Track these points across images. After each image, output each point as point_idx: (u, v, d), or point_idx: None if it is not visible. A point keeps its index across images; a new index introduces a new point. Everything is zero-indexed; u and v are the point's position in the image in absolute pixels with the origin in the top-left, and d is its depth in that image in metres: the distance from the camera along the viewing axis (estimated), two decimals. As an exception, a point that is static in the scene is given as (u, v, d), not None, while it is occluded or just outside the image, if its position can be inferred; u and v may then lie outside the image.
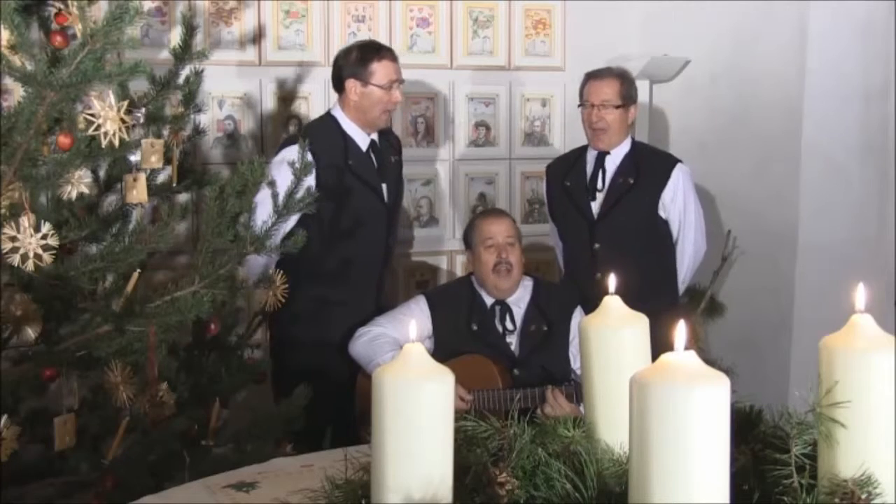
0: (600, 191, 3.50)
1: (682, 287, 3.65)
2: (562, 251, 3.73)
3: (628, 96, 3.50)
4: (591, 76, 3.54)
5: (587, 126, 3.50)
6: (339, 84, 3.35)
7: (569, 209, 3.57)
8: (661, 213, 3.50)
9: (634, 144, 3.57)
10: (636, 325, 1.44)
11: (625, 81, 3.51)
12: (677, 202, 3.50)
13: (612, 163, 3.51)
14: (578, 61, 4.29)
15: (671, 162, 3.55)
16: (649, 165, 3.53)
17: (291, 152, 3.04)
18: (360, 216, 3.31)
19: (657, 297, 3.34)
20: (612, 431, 1.38)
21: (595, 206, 3.50)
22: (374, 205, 3.36)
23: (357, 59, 3.30)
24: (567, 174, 3.60)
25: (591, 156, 3.55)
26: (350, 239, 3.29)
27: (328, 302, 3.28)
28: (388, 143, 3.49)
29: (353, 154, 3.32)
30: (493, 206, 4.18)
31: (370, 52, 3.32)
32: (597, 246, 3.47)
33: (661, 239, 3.53)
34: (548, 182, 3.74)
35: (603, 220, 3.48)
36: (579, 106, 3.54)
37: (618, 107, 3.45)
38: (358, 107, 3.32)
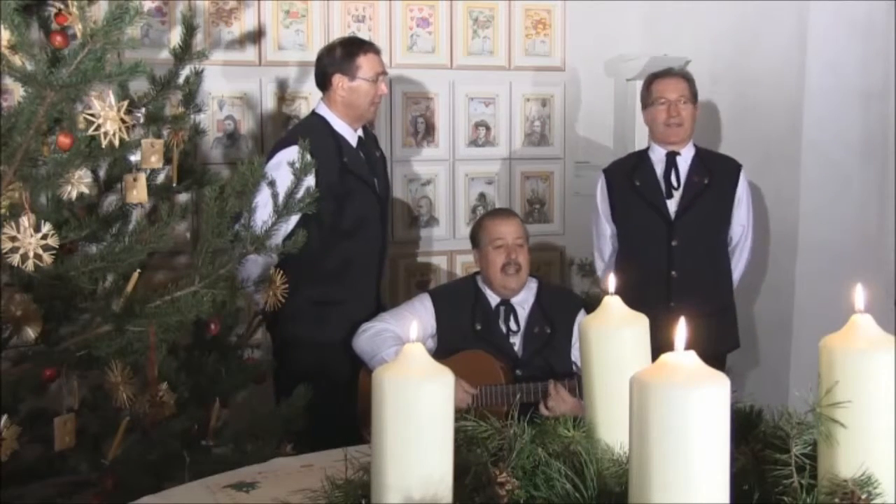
0: (676, 189, 3.52)
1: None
2: (608, 255, 3.71)
3: (695, 95, 3.57)
4: (658, 76, 3.58)
5: (660, 124, 3.51)
6: (324, 81, 3.35)
7: (641, 208, 3.56)
8: (730, 215, 3.55)
9: (697, 147, 3.60)
10: (636, 325, 1.43)
11: (690, 81, 3.58)
12: (742, 207, 3.56)
13: (684, 161, 3.54)
14: (578, 61, 4.30)
15: (737, 166, 3.60)
16: (719, 167, 3.57)
17: (289, 154, 3.05)
18: (359, 212, 3.32)
19: (718, 296, 3.44)
20: (612, 431, 1.38)
21: (672, 205, 3.51)
22: (370, 199, 3.38)
23: (342, 55, 3.32)
24: (633, 174, 3.59)
25: (657, 156, 3.56)
26: (351, 236, 3.30)
27: (330, 301, 3.29)
28: (371, 138, 3.52)
29: (346, 151, 3.33)
30: (494, 206, 4.17)
31: (354, 47, 3.35)
32: (674, 243, 3.48)
33: (725, 240, 3.58)
34: (609, 183, 3.67)
35: (681, 218, 3.49)
36: (648, 107, 3.55)
37: (692, 103, 3.52)
38: (346, 102, 3.33)
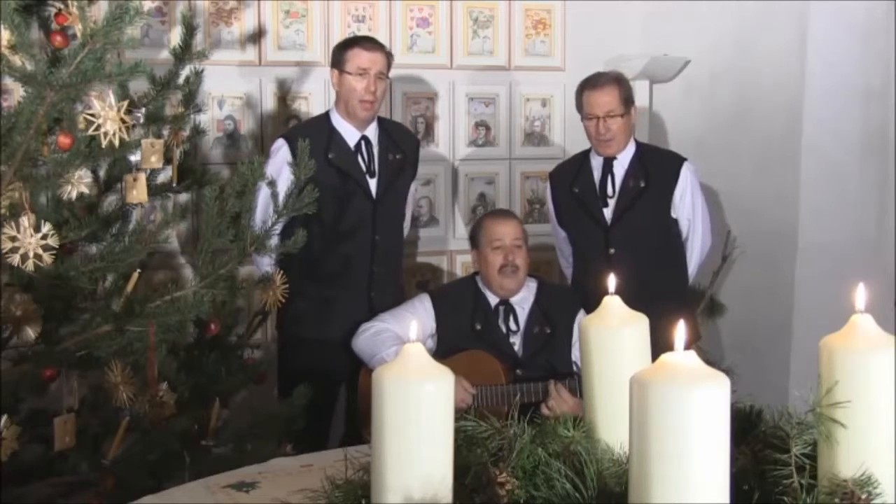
0: (611, 196, 3.47)
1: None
2: (568, 256, 3.70)
3: (629, 100, 3.47)
4: (588, 86, 3.47)
5: (592, 137, 3.46)
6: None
7: (581, 216, 3.54)
8: (673, 214, 3.50)
9: (639, 146, 3.55)
10: (636, 325, 1.44)
11: (622, 85, 3.47)
12: (686, 201, 3.50)
13: (621, 167, 3.48)
14: (578, 61, 4.29)
15: (678, 161, 3.53)
16: (657, 166, 3.51)
17: (275, 145, 3.32)
18: (344, 210, 3.28)
19: (670, 297, 3.36)
20: (612, 431, 1.38)
21: (608, 212, 3.47)
22: (357, 199, 3.33)
23: (337, 49, 3.36)
24: (574, 181, 3.55)
25: (596, 161, 3.51)
26: (332, 234, 3.26)
27: (318, 298, 3.26)
28: (390, 140, 3.44)
29: (335, 147, 3.31)
30: (494, 206, 4.17)
31: (349, 41, 3.38)
32: (612, 251, 3.44)
33: (673, 239, 3.53)
34: (553, 189, 3.67)
35: (617, 225, 3.45)
36: (582, 119, 3.48)
37: (622, 115, 3.42)
38: (339, 97, 3.36)
